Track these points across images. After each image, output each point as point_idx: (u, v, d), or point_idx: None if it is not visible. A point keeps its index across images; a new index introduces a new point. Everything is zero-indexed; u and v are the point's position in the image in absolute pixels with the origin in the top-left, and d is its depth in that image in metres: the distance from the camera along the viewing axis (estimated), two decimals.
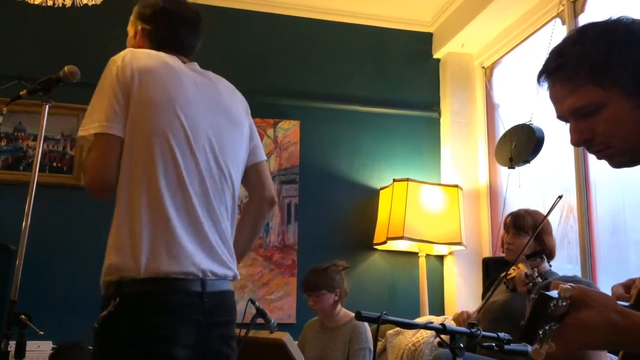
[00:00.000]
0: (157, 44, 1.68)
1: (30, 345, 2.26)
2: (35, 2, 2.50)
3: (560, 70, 1.00)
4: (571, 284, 0.83)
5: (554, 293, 0.82)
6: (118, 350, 1.43)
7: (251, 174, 1.76)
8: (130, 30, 1.78)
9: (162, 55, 1.63)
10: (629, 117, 0.97)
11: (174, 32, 1.71)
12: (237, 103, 1.78)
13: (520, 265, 2.34)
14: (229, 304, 1.57)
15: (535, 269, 2.27)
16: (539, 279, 2.20)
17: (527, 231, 2.58)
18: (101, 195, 1.55)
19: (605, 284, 2.89)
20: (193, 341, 1.46)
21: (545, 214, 2.52)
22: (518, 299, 2.40)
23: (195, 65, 1.72)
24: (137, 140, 1.51)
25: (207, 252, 1.52)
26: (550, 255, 2.58)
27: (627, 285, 1.04)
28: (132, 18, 1.77)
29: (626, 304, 0.94)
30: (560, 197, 2.23)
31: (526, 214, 2.64)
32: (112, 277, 1.46)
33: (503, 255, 2.72)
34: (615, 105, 0.97)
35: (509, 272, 2.36)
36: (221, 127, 1.65)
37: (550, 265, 2.54)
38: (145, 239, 1.45)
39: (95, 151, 1.52)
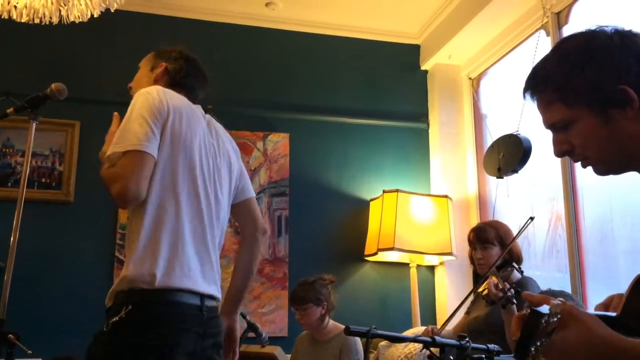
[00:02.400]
0: (172, 82, 1.87)
1: None
2: (23, 20, 2.50)
3: (534, 89, 1.08)
4: (561, 299, 0.83)
5: (544, 309, 0.82)
6: (129, 353, 1.54)
7: (244, 209, 1.98)
8: (146, 66, 1.95)
9: (183, 98, 1.82)
10: (599, 133, 1.01)
11: (190, 79, 1.92)
12: (229, 144, 1.96)
13: (494, 278, 2.37)
14: (218, 317, 1.76)
15: (506, 283, 2.33)
16: (512, 291, 2.24)
17: (492, 242, 2.67)
18: (128, 205, 1.67)
19: (595, 293, 2.90)
20: (192, 349, 1.61)
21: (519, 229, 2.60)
22: (499, 311, 2.43)
23: (200, 108, 1.90)
24: (167, 169, 1.67)
25: (207, 275, 1.70)
26: (519, 260, 2.64)
27: (607, 305, 1.05)
28: (150, 56, 1.96)
29: (613, 314, 0.95)
30: (531, 218, 2.37)
31: (487, 226, 2.75)
32: (122, 287, 1.59)
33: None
34: (583, 122, 1.02)
35: (484, 288, 2.39)
36: (220, 167, 1.84)
37: (522, 272, 2.58)
38: (164, 258, 1.60)
39: (131, 163, 1.61)
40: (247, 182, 2.00)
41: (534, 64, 1.10)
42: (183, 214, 1.66)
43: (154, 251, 1.60)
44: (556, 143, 1.08)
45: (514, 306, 2.28)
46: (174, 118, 1.71)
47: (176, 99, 1.77)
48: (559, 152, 1.08)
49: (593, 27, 1.06)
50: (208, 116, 1.92)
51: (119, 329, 1.54)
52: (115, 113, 1.85)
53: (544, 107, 1.07)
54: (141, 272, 1.58)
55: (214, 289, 1.71)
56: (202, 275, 1.67)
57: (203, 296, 1.65)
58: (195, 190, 1.71)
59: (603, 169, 1.06)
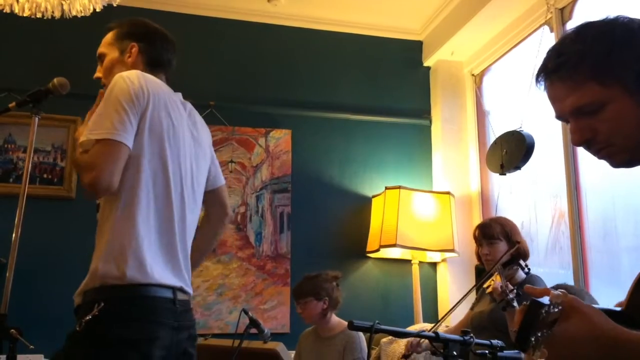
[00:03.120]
0: (150, 61, 1.82)
1: (21, 359, 2.24)
2: (24, 14, 2.50)
3: (560, 68, 0.99)
4: (562, 290, 0.83)
5: (545, 299, 0.82)
6: (108, 350, 1.51)
7: (216, 196, 1.96)
8: (111, 51, 1.84)
9: (163, 84, 1.77)
10: (631, 115, 0.97)
11: (163, 52, 1.86)
12: (205, 134, 1.93)
13: (498, 277, 2.36)
14: (190, 310, 1.74)
15: (508, 283, 2.32)
16: (514, 293, 2.24)
17: (498, 237, 2.66)
18: (99, 196, 1.63)
19: (598, 290, 2.90)
20: (168, 342, 1.59)
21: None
22: None
23: (180, 95, 1.86)
24: (142, 160, 1.62)
25: (177, 272, 1.67)
26: (525, 256, 2.63)
27: None
28: (112, 39, 1.86)
29: (618, 309, 0.95)
30: (518, 242, 2.47)
31: (493, 222, 2.74)
32: (94, 284, 1.57)
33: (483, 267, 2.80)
34: (618, 103, 0.97)
35: (488, 285, 2.39)
36: (198, 157, 1.82)
37: (529, 270, 2.56)
38: (135, 252, 1.57)
39: (104, 153, 1.56)
40: (218, 168, 1.98)
41: (553, 46, 1.04)
42: (155, 208, 1.63)
43: (123, 246, 1.56)
44: (577, 130, 1.01)
45: (515, 308, 2.26)
46: (154, 107, 1.65)
47: (157, 86, 1.71)
48: (580, 140, 1.01)
49: (612, 16, 1.02)
50: (188, 104, 1.86)
51: (94, 326, 1.50)
52: (101, 90, 1.78)
53: (570, 89, 0.99)
54: (110, 267, 1.55)
55: (185, 283, 1.68)
56: (171, 269, 1.64)
57: (175, 289, 1.63)
58: (170, 183, 1.66)
59: (622, 158, 1.01)
